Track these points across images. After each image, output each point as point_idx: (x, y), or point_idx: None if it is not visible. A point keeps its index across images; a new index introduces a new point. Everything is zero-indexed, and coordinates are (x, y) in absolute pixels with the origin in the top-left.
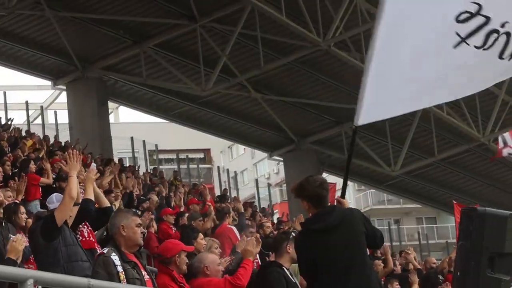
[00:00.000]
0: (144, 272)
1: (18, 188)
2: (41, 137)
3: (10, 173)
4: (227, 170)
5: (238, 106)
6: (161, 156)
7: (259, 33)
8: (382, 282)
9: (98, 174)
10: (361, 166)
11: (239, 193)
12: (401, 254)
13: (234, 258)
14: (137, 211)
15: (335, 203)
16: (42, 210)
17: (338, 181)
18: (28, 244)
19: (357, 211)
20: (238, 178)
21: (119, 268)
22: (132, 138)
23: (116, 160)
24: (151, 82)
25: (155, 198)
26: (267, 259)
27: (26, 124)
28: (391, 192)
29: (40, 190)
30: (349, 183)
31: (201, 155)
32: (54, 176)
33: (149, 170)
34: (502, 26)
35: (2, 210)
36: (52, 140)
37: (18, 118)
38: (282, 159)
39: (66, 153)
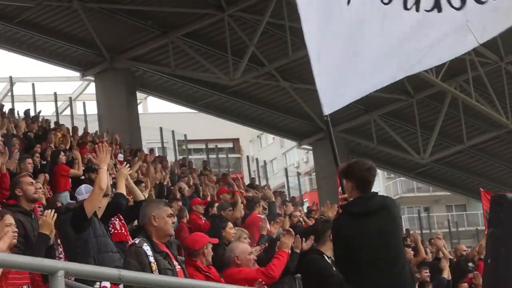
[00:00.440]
0: (175, 262)
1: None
2: (70, 128)
3: (39, 165)
4: (256, 159)
5: (266, 95)
6: (190, 146)
7: (287, 22)
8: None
9: (130, 171)
10: (390, 154)
11: (268, 183)
12: (430, 241)
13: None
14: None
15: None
16: (71, 201)
17: None
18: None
19: (395, 200)
20: (267, 167)
21: (151, 259)
22: (161, 129)
23: (146, 150)
24: (180, 72)
25: (186, 187)
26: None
27: (55, 116)
28: (420, 180)
29: (70, 181)
30: (379, 171)
31: (230, 145)
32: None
33: (178, 160)
34: None
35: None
36: (81, 132)
37: (47, 110)
38: (311, 148)
39: (96, 145)
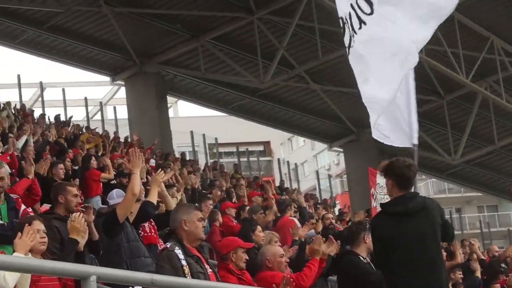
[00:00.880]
0: (207, 266)
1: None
2: (100, 133)
3: (71, 170)
4: (287, 162)
5: (297, 97)
6: (221, 149)
7: (317, 25)
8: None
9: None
10: (421, 156)
11: (299, 185)
12: (463, 242)
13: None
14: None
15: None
16: (103, 206)
17: None
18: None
19: (436, 201)
20: (298, 170)
21: (184, 262)
22: (191, 132)
23: (177, 154)
24: (210, 76)
25: (217, 192)
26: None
27: (86, 121)
28: (452, 181)
29: (101, 186)
30: None
31: (261, 148)
32: (114, 172)
33: (209, 164)
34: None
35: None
36: (111, 136)
37: (78, 115)
38: (342, 150)
39: (129, 151)
